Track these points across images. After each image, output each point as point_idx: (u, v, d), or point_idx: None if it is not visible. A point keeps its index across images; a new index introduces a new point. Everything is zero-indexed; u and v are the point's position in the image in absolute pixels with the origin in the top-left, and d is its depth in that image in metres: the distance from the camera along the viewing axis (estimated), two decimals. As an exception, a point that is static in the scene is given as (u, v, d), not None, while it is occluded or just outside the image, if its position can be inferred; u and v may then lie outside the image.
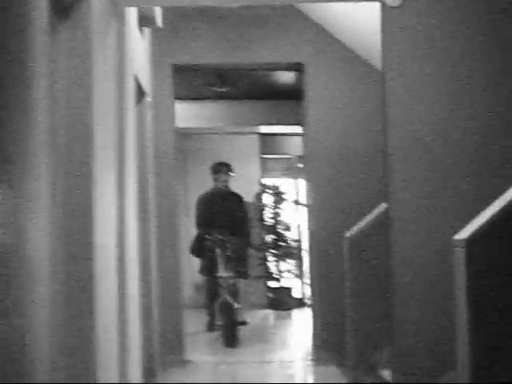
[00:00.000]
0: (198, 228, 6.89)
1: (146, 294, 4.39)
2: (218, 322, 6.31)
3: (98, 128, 2.70)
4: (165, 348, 5.11)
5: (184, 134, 8.06)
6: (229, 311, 6.15)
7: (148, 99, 4.64)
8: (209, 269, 6.54)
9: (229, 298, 6.20)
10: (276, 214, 8.65)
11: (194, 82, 6.77)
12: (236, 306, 6.20)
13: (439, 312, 3.65)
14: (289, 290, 8.50)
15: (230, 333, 6.08)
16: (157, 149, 5.00)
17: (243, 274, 6.77)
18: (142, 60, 4.49)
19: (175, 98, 5.38)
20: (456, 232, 2.71)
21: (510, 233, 2.59)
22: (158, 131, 5.05)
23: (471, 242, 2.46)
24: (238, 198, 6.93)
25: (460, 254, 2.50)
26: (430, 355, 3.66)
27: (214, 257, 6.41)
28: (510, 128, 3.71)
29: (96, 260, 2.61)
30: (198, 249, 6.73)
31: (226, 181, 6.85)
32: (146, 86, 4.61)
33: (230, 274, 6.33)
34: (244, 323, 6.38)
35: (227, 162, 6.98)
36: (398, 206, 3.76)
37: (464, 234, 2.50)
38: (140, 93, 4.37)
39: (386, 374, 4.16)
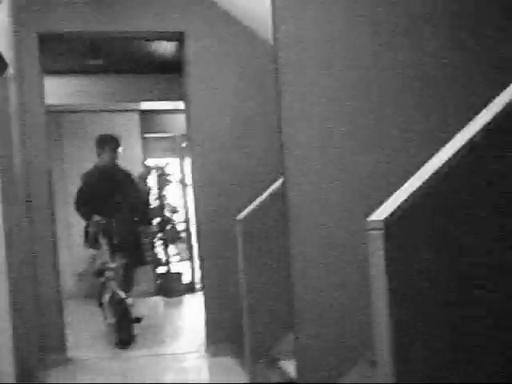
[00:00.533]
0: (77, 211, 6.04)
1: (17, 290, 3.90)
2: (109, 320, 5.68)
3: None
4: (45, 346, 4.63)
5: (56, 112, 7.41)
6: (120, 307, 5.55)
7: (10, 72, 4.07)
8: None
9: (119, 292, 5.62)
10: (162, 197, 8.18)
11: (64, 54, 6.15)
12: (129, 300, 5.59)
13: (345, 299, 3.37)
14: (178, 275, 8.08)
15: (123, 332, 5.48)
16: (24, 129, 4.45)
17: (140, 261, 6.24)
18: (1, 28, 3.93)
19: (45, 72, 4.82)
20: (361, 212, 2.43)
21: (430, 212, 2.28)
22: (25, 109, 4.50)
23: (390, 223, 2.14)
24: (129, 176, 6.23)
25: (376, 238, 2.17)
26: (337, 346, 3.38)
27: (99, 245, 5.75)
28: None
29: None
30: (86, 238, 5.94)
31: (114, 157, 6.11)
32: (8, 57, 4.04)
33: (119, 263, 5.73)
34: (138, 320, 5.69)
35: (114, 135, 6.25)
36: (294, 181, 3.43)
37: (381, 214, 2.17)
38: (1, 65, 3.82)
39: (289, 365, 3.85)
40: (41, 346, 4.60)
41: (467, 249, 2.30)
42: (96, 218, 5.81)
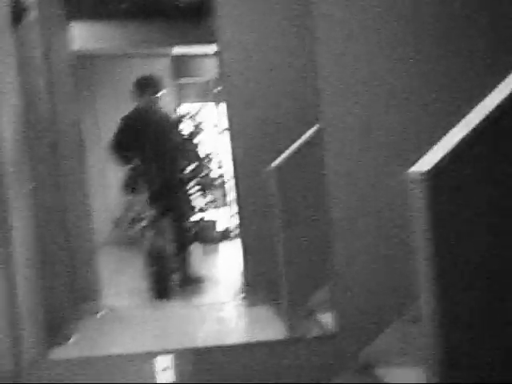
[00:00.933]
0: (115, 155, 5.65)
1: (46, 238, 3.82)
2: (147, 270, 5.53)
3: None
4: (78, 295, 4.59)
5: (86, 58, 7.22)
6: (158, 257, 5.44)
7: (32, 17, 3.91)
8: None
9: (157, 241, 5.48)
10: (196, 143, 8.01)
11: None
12: (167, 250, 5.47)
13: (387, 250, 3.21)
14: (213, 222, 7.96)
15: (160, 284, 5.39)
16: (50, 75, 4.30)
17: (185, 209, 6.05)
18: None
19: (72, 18, 4.64)
20: (403, 161, 2.26)
21: (476, 164, 2.09)
22: (51, 56, 4.34)
23: (433, 175, 1.96)
24: (171, 120, 5.98)
25: (419, 190, 2.00)
26: (376, 300, 3.24)
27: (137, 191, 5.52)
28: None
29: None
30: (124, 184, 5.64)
31: (155, 100, 5.77)
32: (30, 2, 3.88)
33: (155, 212, 5.52)
34: (199, 280, 5.57)
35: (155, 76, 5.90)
36: (332, 127, 3.26)
37: (423, 165, 1.99)
38: (20, 10, 3.65)
39: (327, 318, 3.72)
40: (74, 295, 4.55)
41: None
42: (136, 162, 5.53)
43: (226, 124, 5.04)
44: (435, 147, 2.06)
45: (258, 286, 4.89)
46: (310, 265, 4.00)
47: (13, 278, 2.74)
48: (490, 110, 2.04)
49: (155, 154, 5.55)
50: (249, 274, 4.99)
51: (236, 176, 5.00)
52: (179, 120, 7.73)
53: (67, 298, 4.31)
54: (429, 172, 1.95)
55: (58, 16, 4.44)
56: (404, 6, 3.32)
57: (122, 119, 5.72)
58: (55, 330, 3.97)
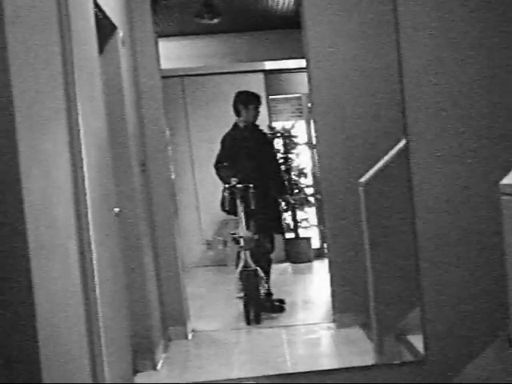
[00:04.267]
0: (217, 175, 5.63)
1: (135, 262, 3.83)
2: (238, 293, 5.37)
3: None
4: (167, 317, 4.58)
5: (177, 77, 7.29)
6: (251, 281, 5.28)
7: (120, 35, 3.94)
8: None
9: (251, 263, 5.31)
10: (288, 160, 7.93)
11: (177, 14, 5.92)
12: (261, 273, 5.32)
13: (479, 271, 3.01)
14: (307, 240, 7.83)
15: (251, 308, 5.22)
16: (139, 93, 4.34)
17: (278, 229, 5.88)
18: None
19: (160, 36, 4.65)
20: (493, 173, 2.09)
21: None
22: (140, 74, 4.38)
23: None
24: (269, 139, 5.90)
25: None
26: (467, 324, 3.04)
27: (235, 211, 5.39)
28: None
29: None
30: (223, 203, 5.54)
31: (255, 117, 5.67)
32: (119, 20, 3.92)
33: (253, 234, 5.37)
34: (282, 302, 5.41)
35: (255, 92, 5.81)
36: (419, 141, 3.10)
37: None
38: (110, 28, 3.69)
39: (417, 341, 3.54)
40: (162, 317, 4.54)
41: None
42: (233, 181, 5.43)
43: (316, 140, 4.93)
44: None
45: (347, 307, 4.74)
46: (399, 285, 3.82)
47: (95, 303, 2.72)
48: None
49: (252, 173, 5.48)
50: (337, 294, 4.84)
51: (325, 193, 4.87)
52: (274, 137, 7.68)
53: (155, 322, 4.30)
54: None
55: (147, 34, 4.46)
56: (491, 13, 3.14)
57: (223, 138, 5.71)
58: (142, 355, 3.97)
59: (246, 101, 5.69)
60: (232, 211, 5.49)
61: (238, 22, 6.50)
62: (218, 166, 5.65)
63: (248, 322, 5.18)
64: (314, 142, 7.92)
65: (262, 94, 8.03)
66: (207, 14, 5.93)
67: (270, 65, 7.74)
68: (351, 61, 4.54)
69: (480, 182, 3.09)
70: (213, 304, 5.88)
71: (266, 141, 5.91)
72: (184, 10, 5.86)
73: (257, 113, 5.73)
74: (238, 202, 5.38)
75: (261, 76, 8.04)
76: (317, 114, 4.74)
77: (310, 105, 7.78)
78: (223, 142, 5.69)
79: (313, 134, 8.06)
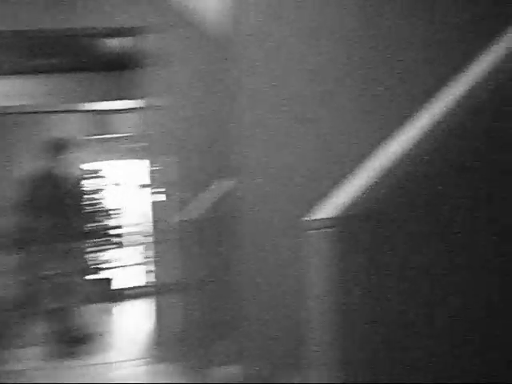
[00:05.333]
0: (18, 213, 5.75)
1: None
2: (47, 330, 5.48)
3: None
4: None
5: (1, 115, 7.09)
6: (57, 316, 5.41)
7: None
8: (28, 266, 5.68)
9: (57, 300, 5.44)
10: (96, 200, 7.90)
11: (8, 52, 5.81)
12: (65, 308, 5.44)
13: (291, 302, 3.25)
14: (108, 281, 7.89)
15: (66, 342, 5.37)
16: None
17: (84, 270, 6.01)
18: None
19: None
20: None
21: (377, 213, 2.13)
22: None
23: (339, 221, 2.00)
24: (75, 180, 6.00)
25: (322, 236, 2.03)
26: (281, 350, 3.26)
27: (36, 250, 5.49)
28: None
29: None
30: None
31: (62, 162, 5.76)
32: None
33: (60, 271, 5.48)
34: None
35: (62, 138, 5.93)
36: (244, 183, 3.32)
37: (323, 213, 2.04)
38: None
39: (236, 370, 3.70)
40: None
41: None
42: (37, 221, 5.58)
43: (145, 180, 5.05)
44: (337, 191, 2.11)
45: (159, 343, 4.84)
46: (214, 319, 4.01)
47: None
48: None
49: (50, 213, 5.55)
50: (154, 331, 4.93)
51: (156, 231, 4.95)
52: (81, 178, 7.61)
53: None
54: (335, 218, 1.99)
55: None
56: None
57: (27, 180, 5.76)
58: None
59: (56, 146, 5.77)
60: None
61: (70, 62, 6.48)
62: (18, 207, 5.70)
63: (61, 355, 5.29)
64: (136, 182, 7.98)
65: (85, 134, 8.00)
66: (36, 54, 5.85)
67: (99, 105, 7.71)
68: (188, 101, 4.66)
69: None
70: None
71: (67, 183, 5.88)
72: (14, 48, 5.75)
73: (61, 158, 5.77)
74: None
75: (87, 116, 7.99)
76: (151, 153, 4.89)
77: (133, 145, 7.84)
78: (25, 185, 5.74)
79: (134, 173, 8.11)
